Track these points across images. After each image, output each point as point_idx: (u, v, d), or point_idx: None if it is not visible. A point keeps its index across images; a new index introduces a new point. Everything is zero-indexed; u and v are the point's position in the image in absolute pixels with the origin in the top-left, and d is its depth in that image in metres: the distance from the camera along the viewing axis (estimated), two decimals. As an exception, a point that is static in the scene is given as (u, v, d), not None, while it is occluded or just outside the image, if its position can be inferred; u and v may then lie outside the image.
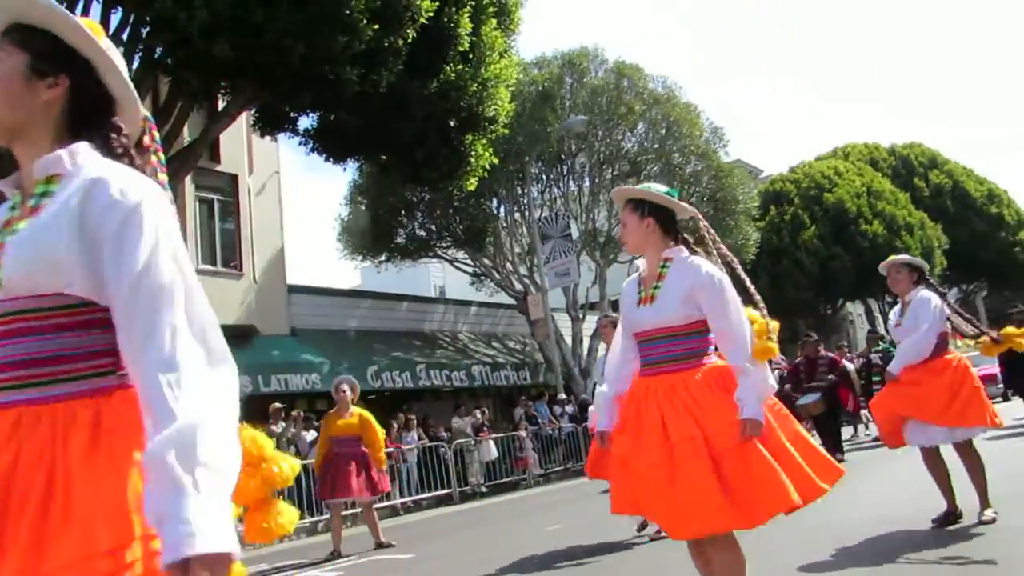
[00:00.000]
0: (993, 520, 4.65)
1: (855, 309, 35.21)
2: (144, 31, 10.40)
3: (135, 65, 11.07)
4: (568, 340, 20.81)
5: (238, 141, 15.78)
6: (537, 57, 21.55)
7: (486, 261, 21.71)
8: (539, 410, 17.12)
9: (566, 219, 20.46)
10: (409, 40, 10.67)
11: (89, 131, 1.40)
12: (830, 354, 11.94)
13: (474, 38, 12.31)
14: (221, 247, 15.67)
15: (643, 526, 6.05)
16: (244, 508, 1.90)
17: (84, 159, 1.34)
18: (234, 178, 15.95)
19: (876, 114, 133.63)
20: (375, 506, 8.65)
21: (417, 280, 29.34)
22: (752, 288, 3.17)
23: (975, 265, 34.17)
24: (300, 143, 13.54)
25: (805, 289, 27.70)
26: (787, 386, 10.63)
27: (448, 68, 11.97)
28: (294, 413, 12.88)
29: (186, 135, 13.05)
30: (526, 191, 20.66)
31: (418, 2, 10.50)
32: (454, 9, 11.70)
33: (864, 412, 13.49)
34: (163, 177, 1.48)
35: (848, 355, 14.63)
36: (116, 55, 1.44)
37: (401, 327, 20.01)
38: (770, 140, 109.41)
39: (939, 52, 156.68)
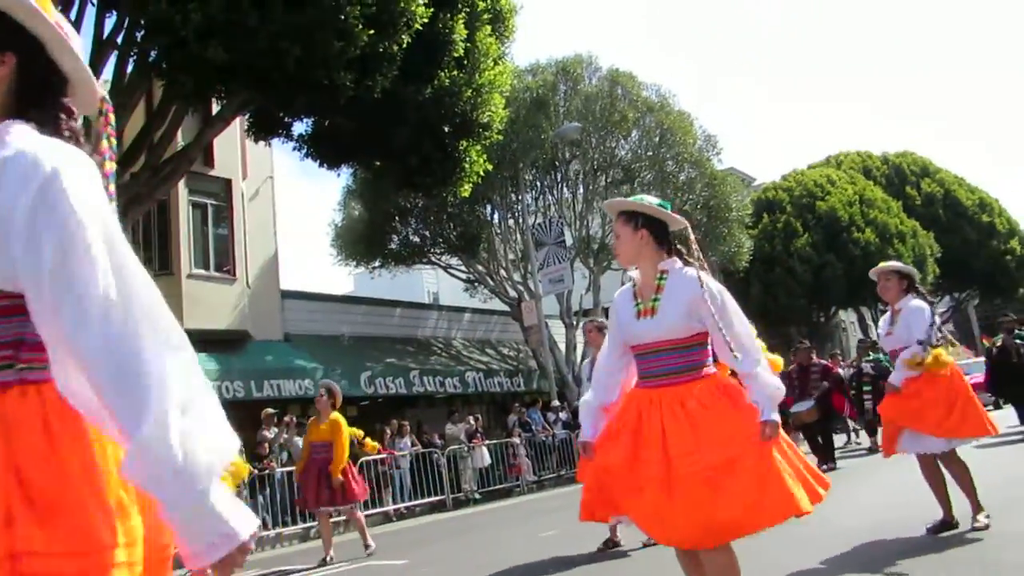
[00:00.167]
0: (986, 526, 4.66)
1: (848, 317, 35.31)
2: (139, 35, 10.39)
3: (129, 69, 11.07)
4: (562, 347, 20.80)
5: (232, 146, 15.75)
6: (531, 64, 21.64)
7: (480, 267, 21.71)
8: (533, 417, 17.10)
9: (560, 226, 20.47)
10: (404, 45, 10.69)
11: (39, 112, 1.29)
12: (823, 361, 11.97)
13: (469, 44, 12.34)
14: (214, 252, 15.61)
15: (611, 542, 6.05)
16: None
17: (14, 137, 1.21)
18: (228, 183, 15.91)
19: (869, 122, 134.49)
20: (369, 512, 8.57)
21: (411, 286, 29.32)
22: None
23: (967, 273, 34.30)
24: (294, 148, 13.55)
25: (798, 297, 27.79)
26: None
27: (443, 74, 11.99)
28: (287, 419, 12.83)
29: (180, 139, 13.03)
30: (520, 198, 20.68)
31: (413, 8, 10.51)
32: (449, 15, 11.73)
33: (849, 420, 13.51)
34: (111, 166, 1.37)
35: (842, 362, 14.67)
36: (69, 32, 1.33)
37: (395, 333, 19.98)
38: (763, 148, 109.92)
39: (933, 60, 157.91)
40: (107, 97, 1.41)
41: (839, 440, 13.42)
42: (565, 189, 22.35)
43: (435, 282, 33.79)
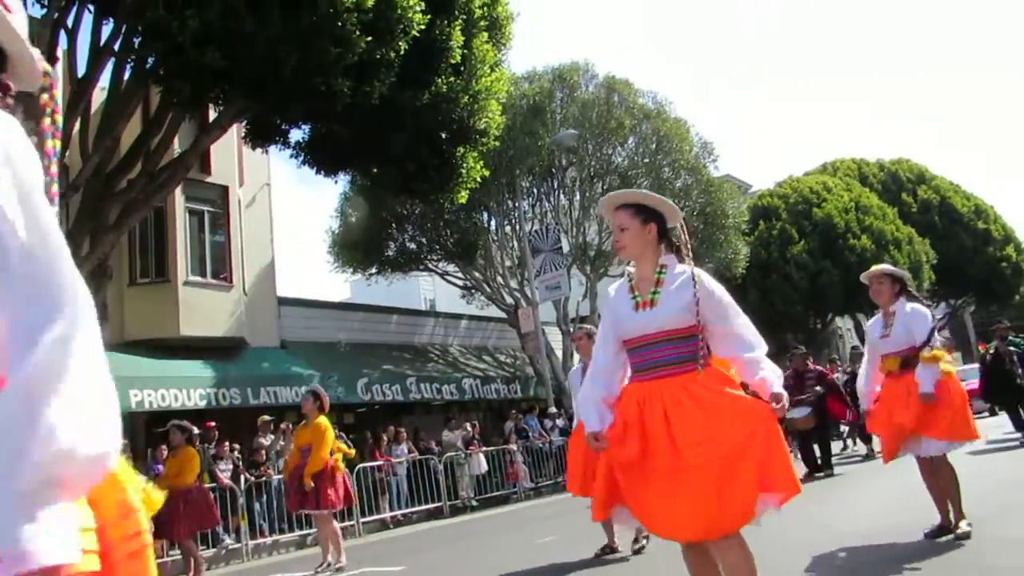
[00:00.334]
0: (968, 535, 4.63)
1: (844, 323, 35.36)
2: (136, 41, 10.40)
3: (127, 76, 11.08)
4: (559, 353, 20.80)
5: (229, 153, 15.76)
6: (528, 71, 21.70)
7: (476, 274, 21.72)
8: (529, 423, 17.08)
9: (556, 233, 20.49)
10: (401, 52, 10.72)
11: None
12: (819, 368, 11.97)
13: (466, 51, 12.37)
14: (211, 259, 15.60)
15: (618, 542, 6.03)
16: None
17: None
18: (225, 190, 15.91)
19: (864, 128, 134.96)
20: (366, 519, 8.53)
21: (407, 293, 29.30)
22: None
23: (963, 280, 34.39)
24: (291, 155, 13.53)
25: (794, 303, 27.85)
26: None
27: (439, 80, 12.01)
28: (283, 426, 12.80)
29: (177, 146, 13.04)
30: (517, 204, 20.71)
31: (410, 14, 10.55)
32: (446, 22, 11.76)
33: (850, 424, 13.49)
34: (54, 143, 1.27)
35: (840, 367, 14.67)
36: (12, 5, 1.22)
37: (391, 340, 19.97)
38: (759, 155, 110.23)
39: (928, 67, 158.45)
40: (51, 72, 1.32)
41: (836, 447, 13.42)
42: (562, 196, 22.39)
43: (432, 289, 33.79)
